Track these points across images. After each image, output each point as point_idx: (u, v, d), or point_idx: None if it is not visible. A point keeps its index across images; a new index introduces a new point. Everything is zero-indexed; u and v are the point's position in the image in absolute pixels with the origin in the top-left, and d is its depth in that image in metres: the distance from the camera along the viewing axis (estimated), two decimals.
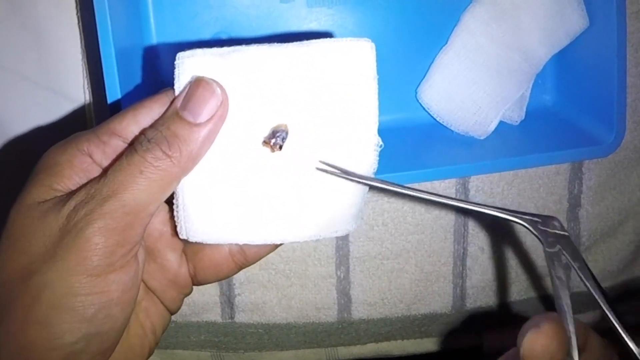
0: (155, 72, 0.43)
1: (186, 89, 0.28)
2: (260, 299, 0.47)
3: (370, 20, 0.44)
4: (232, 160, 0.29)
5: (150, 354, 0.32)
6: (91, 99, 0.43)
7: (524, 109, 0.46)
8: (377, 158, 0.30)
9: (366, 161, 0.29)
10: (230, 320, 0.48)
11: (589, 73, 0.45)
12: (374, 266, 0.47)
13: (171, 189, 0.28)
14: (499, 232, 0.48)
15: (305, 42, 0.28)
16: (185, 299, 0.46)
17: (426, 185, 0.46)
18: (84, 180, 0.27)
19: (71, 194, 0.27)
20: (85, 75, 0.43)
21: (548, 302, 0.51)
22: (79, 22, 0.42)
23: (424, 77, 0.45)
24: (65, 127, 0.44)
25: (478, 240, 0.48)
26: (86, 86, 0.43)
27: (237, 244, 0.31)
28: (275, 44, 0.28)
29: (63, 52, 0.43)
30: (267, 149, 0.29)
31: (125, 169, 0.26)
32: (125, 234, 0.26)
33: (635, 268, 0.52)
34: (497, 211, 0.29)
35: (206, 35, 0.43)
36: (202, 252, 0.32)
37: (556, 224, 0.29)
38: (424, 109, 0.45)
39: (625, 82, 0.42)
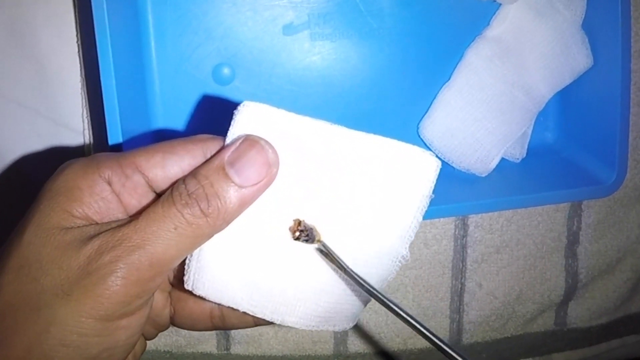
0: (155, 101, 0.43)
1: (238, 144, 0.26)
2: (257, 330, 0.47)
3: (374, 54, 0.44)
4: (260, 226, 0.28)
5: None
6: (90, 129, 0.43)
7: (526, 147, 0.46)
8: (397, 269, 0.29)
9: (387, 270, 0.29)
10: (226, 352, 0.47)
11: (591, 112, 0.44)
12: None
13: (199, 245, 0.27)
14: (497, 267, 0.48)
15: (372, 134, 0.27)
16: (181, 330, 0.46)
17: (425, 222, 0.46)
18: (103, 209, 0.27)
19: (91, 227, 0.26)
20: (84, 104, 0.43)
21: (545, 339, 0.51)
22: (79, 51, 0.42)
23: (426, 113, 0.45)
24: (64, 155, 0.43)
25: (476, 275, 0.48)
26: (85, 115, 0.43)
27: (224, 308, 0.30)
28: (341, 126, 0.27)
29: (63, 81, 0.42)
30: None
31: (160, 219, 0.25)
32: (145, 286, 0.25)
33: (631, 305, 0.52)
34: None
35: (208, 66, 0.43)
36: (186, 302, 0.31)
37: None
38: (425, 145, 0.45)
39: (629, 122, 0.42)
